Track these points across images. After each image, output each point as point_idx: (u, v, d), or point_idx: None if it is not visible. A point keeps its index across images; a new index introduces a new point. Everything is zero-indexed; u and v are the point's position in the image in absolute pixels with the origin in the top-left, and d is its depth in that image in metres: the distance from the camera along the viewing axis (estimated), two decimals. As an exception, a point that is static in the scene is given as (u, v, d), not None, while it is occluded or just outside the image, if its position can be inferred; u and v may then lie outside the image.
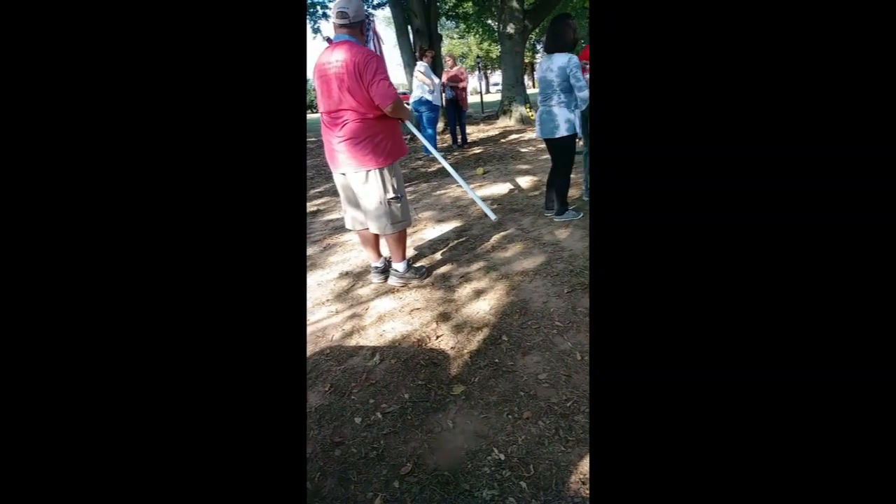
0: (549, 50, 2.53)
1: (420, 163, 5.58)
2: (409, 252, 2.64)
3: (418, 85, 5.55)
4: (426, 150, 5.90)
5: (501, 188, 3.91)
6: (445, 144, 6.54)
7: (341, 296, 2.26)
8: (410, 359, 1.67)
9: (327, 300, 2.23)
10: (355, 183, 2.00)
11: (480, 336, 1.76)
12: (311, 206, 4.02)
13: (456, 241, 2.78)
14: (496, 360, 1.60)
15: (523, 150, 5.61)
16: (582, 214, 2.86)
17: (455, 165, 5.11)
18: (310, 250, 2.93)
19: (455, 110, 6.27)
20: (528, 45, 9.26)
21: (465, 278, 2.26)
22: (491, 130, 7.77)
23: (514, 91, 8.11)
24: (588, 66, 2.75)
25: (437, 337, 1.80)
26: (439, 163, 5.31)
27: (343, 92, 1.80)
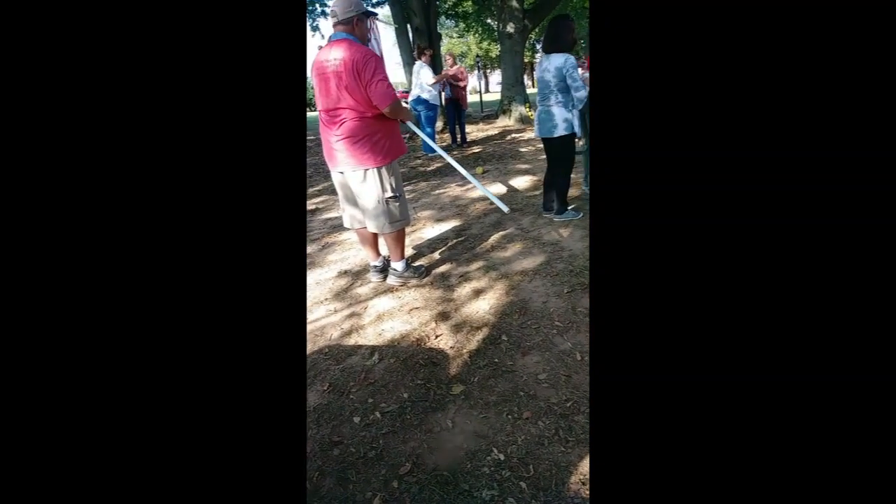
0: (547, 50, 2.54)
1: (419, 161, 5.58)
2: (408, 251, 2.63)
3: (417, 84, 5.54)
4: (426, 148, 5.90)
5: (501, 187, 3.90)
6: (445, 144, 6.53)
7: (340, 294, 2.25)
8: (409, 358, 1.67)
9: (326, 299, 2.22)
10: (353, 182, 1.99)
11: (480, 336, 1.76)
12: (309, 205, 4.01)
13: (455, 241, 2.78)
14: (496, 360, 1.60)
15: (523, 149, 5.61)
16: (582, 214, 2.86)
17: (454, 164, 5.11)
18: (308, 249, 2.92)
19: (455, 109, 6.26)
20: (527, 44, 9.25)
21: (465, 278, 2.25)
22: (490, 130, 7.77)
23: (513, 91, 8.11)
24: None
25: (437, 336, 1.79)
26: (438, 162, 5.31)
27: (341, 90, 1.79)
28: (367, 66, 1.74)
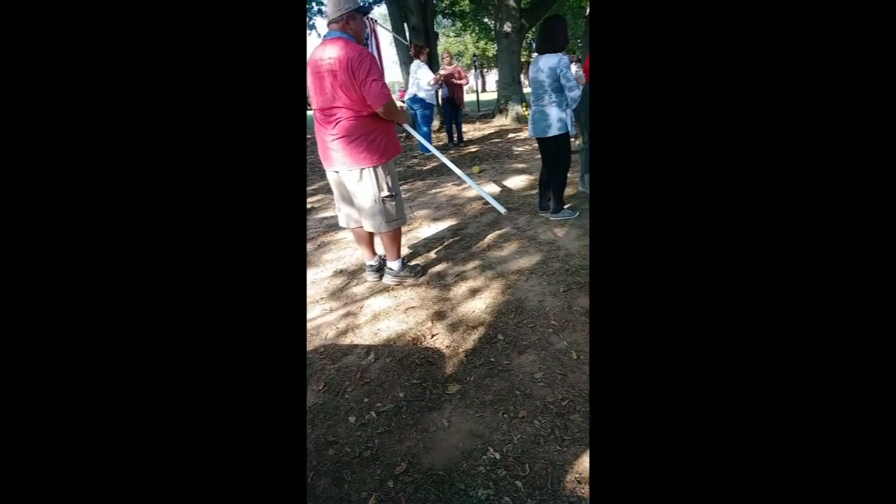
0: (541, 50, 2.55)
1: (415, 161, 5.57)
2: (405, 250, 2.63)
3: (413, 83, 5.53)
4: (423, 148, 5.89)
5: (497, 187, 3.90)
6: (441, 143, 6.53)
7: (335, 294, 2.24)
8: (405, 357, 1.66)
9: (321, 298, 2.21)
10: (349, 181, 1.99)
11: (476, 335, 1.76)
12: (305, 204, 4.00)
13: (451, 240, 2.77)
14: (492, 359, 1.60)
15: (519, 149, 5.62)
16: (578, 213, 2.86)
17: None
18: (304, 248, 2.91)
19: (451, 108, 6.26)
20: (524, 43, 9.25)
21: (461, 277, 2.25)
22: (487, 129, 7.77)
23: (510, 90, 8.11)
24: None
25: (433, 336, 1.79)
26: (435, 161, 5.30)
27: (336, 89, 1.78)
28: (361, 66, 1.74)
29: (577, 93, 2.46)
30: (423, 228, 3.06)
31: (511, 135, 6.83)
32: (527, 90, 2.94)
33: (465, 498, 1.10)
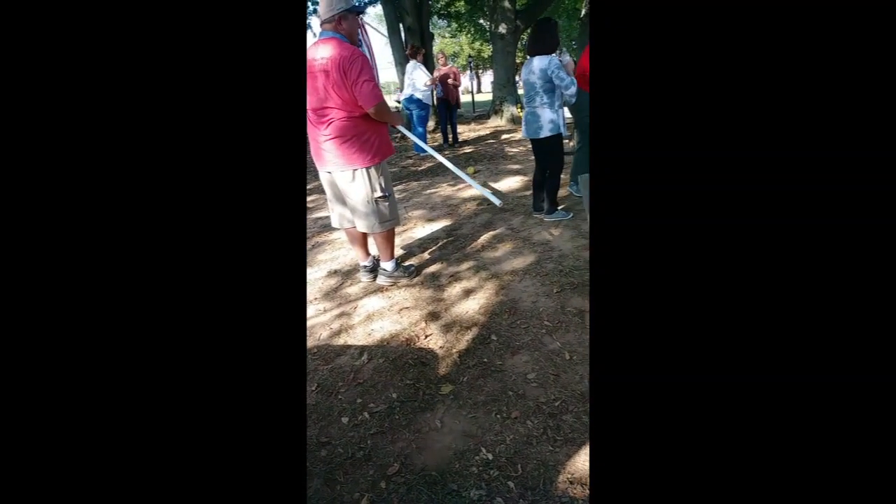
0: (532, 53, 2.57)
1: (410, 161, 5.56)
2: (399, 251, 2.63)
3: (409, 83, 5.52)
4: (417, 148, 5.89)
5: (492, 187, 3.90)
6: (436, 143, 6.52)
7: (329, 294, 2.23)
8: (399, 358, 1.66)
9: (315, 298, 2.21)
10: (342, 181, 1.98)
11: (469, 335, 1.76)
12: (299, 204, 3.98)
13: (446, 240, 2.77)
14: (485, 360, 1.60)
15: (514, 150, 5.63)
16: (572, 215, 2.87)
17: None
18: (298, 248, 2.90)
19: (446, 109, 6.26)
20: (519, 45, 9.28)
21: (455, 277, 2.25)
22: (482, 130, 7.78)
23: (505, 91, 8.12)
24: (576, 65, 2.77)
25: (426, 336, 1.79)
26: (430, 161, 5.30)
27: (329, 89, 1.78)
28: (353, 66, 1.73)
29: (573, 90, 2.47)
30: (418, 229, 3.06)
31: (506, 136, 6.84)
32: (522, 91, 2.95)
33: (458, 498, 1.10)
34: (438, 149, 6.12)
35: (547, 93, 2.53)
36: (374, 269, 2.31)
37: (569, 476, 1.12)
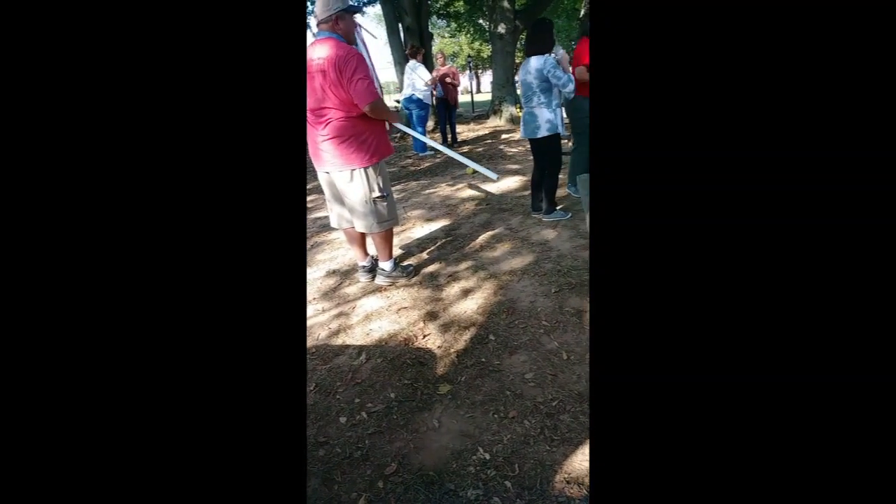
0: (528, 53, 2.58)
1: (409, 161, 5.56)
2: (397, 251, 2.63)
3: (408, 83, 5.52)
4: (417, 147, 5.89)
5: (490, 187, 3.91)
6: (435, 143, 6.51)
7: (328, 294, 2.24)
8: (397, 358, 1.66)
9: (314, 298, 2.21)
10: (340, 181, 1.98)
11: (467, 335, 1.76)
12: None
13: (444, 240, 2.78)
14: (483, 360, 1.60)
15: (512, 150, 5.63)
16: (570, 215, 2.88)
17: (444, 164, 5.10)
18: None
19: (445, 109, 6.26)
20: (518, 45, 9.28)
21: (453, 277, 2.26)
22: (481, 130, 7.78)
23: (504, 91, 8.13)
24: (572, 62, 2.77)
25: (424, 336, 1.79)
26: (429, 161, 5.30)
27: (326, 89, 1.78)
28: (348, 64, 1.73)
29: (571, 87, 2.47)
30: (417, 229, 3.06)
31: (505, 136, 6.85)
32: (520, 91, 2.95)
33: (455, 498, 1.10)
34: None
35: (544, 93, 2.54)
36: (372, 270, 2.31)
37: (566, 476, 1.13)
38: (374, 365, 1.64)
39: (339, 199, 2.11)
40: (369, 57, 2.92)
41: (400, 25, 7.96)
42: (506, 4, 7.45)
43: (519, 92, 8.59)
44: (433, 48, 9.23)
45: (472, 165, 2.16)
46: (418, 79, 5.42)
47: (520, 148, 5.64)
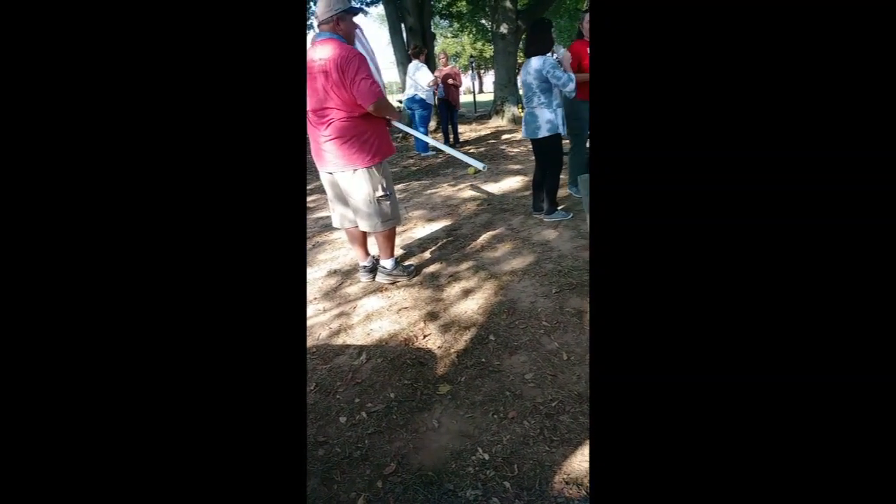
0: (528, 53, 2.58)
1: (411, 161, 5.57)
2: (398, 251, 2.63)
3: (411, 84, 5.53)
4: (419, 147, 5.89)
5: (492, 187, 3.91)
6: (437, 143, 6.51)
7: (329, 294, 2.24)
8: (397, 358, 1.66)
9: (315, 298, 2.21)
10: (343, 182, 1.99)
11: (468, 335, 1.76)
12: (300, 204, 3.98)
13: (445, 240, 2.78)
14: (483, 360, 1.60)
15: (514, 150, 5.62)
16: (571, 215, 2.87)
17: (445, 163, 5.10)
18: (298, 248, 2.90)
19: (447, 109, 6.26)
20: (520, 45, 9.28)
21: (454, 277, 2.26)
22: (483, 130, 7.78)
23: (506, 91, 8.12)
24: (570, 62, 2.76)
25: (425, 336, 1.79)
26: (430, 161, 5.30)
27: (328, 90, 1.79)
28: (350, 64, 1.74)
29: (571, 86, 2.46)
30: (418, 229, 3.06)
31: (506, 136, 6.84)
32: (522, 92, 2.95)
33: (454, 498, 1.10)
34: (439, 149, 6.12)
35: (544, 93, 2.54)
36: (373, 269, 2.31)
37: (565, 476, 1.13)
38: (374, 365, 1.64)
39: (342, 200, 2.11)
40: (372, 57, 2.94)
41: (403, 26, 7.97)
42: (508, 4, 7.45)
43: (521, 92, 8.60)
44: (436, 48, 9.23)
45: (463, 158, 2.15)
46: (421, 78, 5.42)
47: (521, 148, 5.64)
